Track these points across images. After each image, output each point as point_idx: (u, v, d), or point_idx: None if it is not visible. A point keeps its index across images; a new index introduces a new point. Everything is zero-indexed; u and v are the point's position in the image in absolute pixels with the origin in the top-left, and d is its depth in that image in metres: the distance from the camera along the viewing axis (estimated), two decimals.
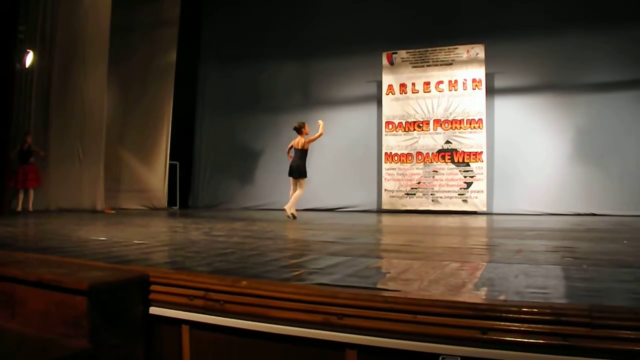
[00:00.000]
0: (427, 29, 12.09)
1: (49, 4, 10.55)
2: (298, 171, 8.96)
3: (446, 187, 11.58)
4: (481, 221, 9.10)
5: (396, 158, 12.00)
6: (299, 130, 9.09)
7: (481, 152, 11.36)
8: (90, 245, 4.41)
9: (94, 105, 10.76)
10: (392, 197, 12.00)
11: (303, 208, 12.42)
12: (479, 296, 2.30)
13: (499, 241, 5.35)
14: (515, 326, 1.93)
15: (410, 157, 11.89)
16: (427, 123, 11.86)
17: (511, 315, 1.95)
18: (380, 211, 12.04)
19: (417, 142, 11.87)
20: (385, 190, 12.06)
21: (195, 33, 14.41)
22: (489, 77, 11.55)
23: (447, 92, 11.77)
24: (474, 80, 11.53)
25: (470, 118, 11.51)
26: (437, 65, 11.91)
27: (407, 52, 12.13)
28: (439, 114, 11.78)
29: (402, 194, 11.89)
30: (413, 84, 12.04)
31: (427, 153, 11.78)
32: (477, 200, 11.32)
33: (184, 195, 14.03)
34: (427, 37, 12.02)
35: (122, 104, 12.30)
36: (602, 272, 3.09)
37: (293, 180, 9.04)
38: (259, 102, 13.61)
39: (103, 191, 10.81)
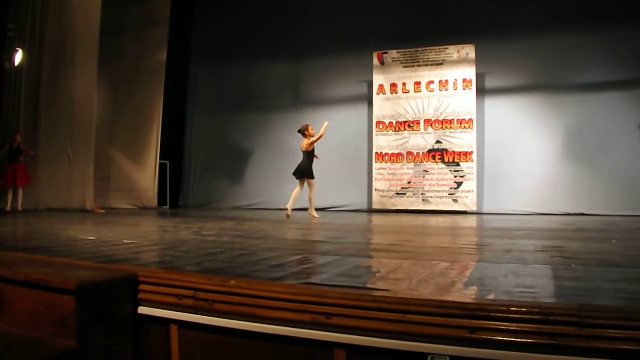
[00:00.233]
0: (418, 28, 12.11)
1: (38, 2, 10.50)
2: (300, 172, 9.23)
3: (436, 186, 11.60)
4: (471, 221, 9.12)
5: (386, 158, 12.01)
6: (302, 133, 9.30)
7: (471, 152, 11.39)
8: (79, 244, 4.38)
9: (84, 104, 10.70)
10: (383, 196, 12.01)
11: (294, 208, 12.42)
12: (468, 296, 2.30)
13: (488, 241, 5.36)
14: (503, 325, 1.93)
15: (400, 157, 11.91)
16: (418, 123, 11.88)
17: (500, 314, 1.95)
18: (370, 211, 12.05)
19: (407, 141, 11.88)
20: (376, 189, 12.07)
21: (185, 32, 14.36)
22: (479, 77, 11.59)
23: (437, 92, 11.79)
24: (464, 80, 11.56)
25: (460, 118, 11.54)
26: (427, 65, 11.93)
27: (398, 52, 12.14)
28: (430, 114, 11.80)
29: (393, 193, 11.91)
30: (404, 84, 12.05)
31: (418, 153, 11.80)
32: (467, 199, 11.35)
33: (174, 194, 13.99)
34: (418, 37, 12.03)
35: (112, 103, 12.25)
36: (590, 271, 3.10)
37: (299, 181, 9.28)
38: (250, 101, 13.59)
39: (92, 190, 10.76)
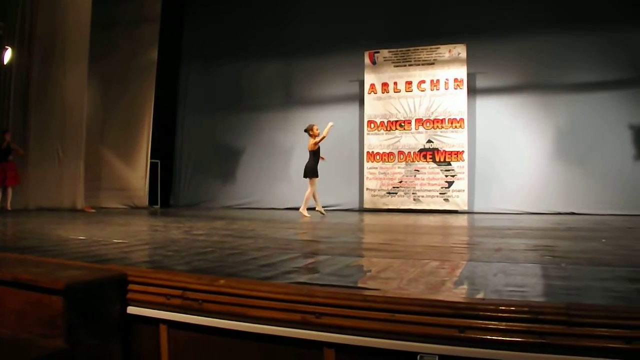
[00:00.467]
0: (410, 28, 12.11)
1: (28, 0, 10.44)
2: (305, 172, 9.41)
3: (427, 186, 11.62)
4: (462, 220, 9.14)
5: (378, 157, 12.02)
6: (308, 132, 9.45)
7: (462, 152, 11.41)
8: (69, 244, 4.36)
9: (74, 102, 10.64)
10: (374, 196, 12.02)
11: (284, 207, 12.44)
12: (458, 295, 2.31)
13: (479, 240, 5.38)
14: (493, 324, 1.93)
15: (392, 156, 11.92)
16: (409, 122, 11.89)
17: (489, 313, 1.95)
18: (362, 210, 12.05)
19: (398, 141, 11.90)
20: (367, 189, 12.08)
21: (177, 30, 14.30)
22: (470, 76, 11.61)
23: (428, 91, 11.80)
24: (455, 80, 11.58)
25: (451, 117, 11.56)
26: (419, 64, 11.94)
27: (390, 52, 12.15)
28: (421, 114, 11.82)
29: (384, 193, 11.92)
30: (395, 83, 12.06)
31: (409, 152, 11.81)
32: (459, 199, 11.38)
33: (165, 193, 13.95)
34: (410, 37, 12.04)
35: (103, 101, 12.19)
36: (580, 270, 3.11)
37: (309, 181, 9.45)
38: (241, 100, 13.56)
39: (83, 190, 10.71)
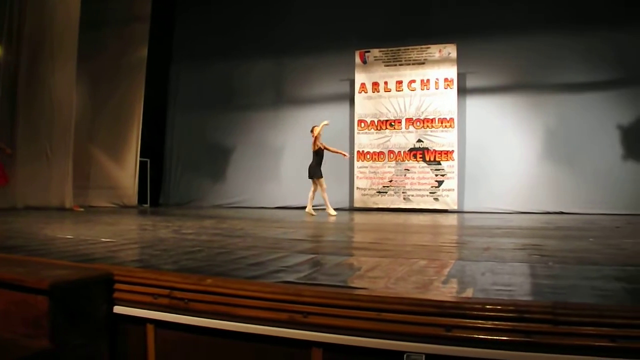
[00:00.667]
0: (400, 28, 12.12)
1: None
2: (308, 172, 9.70)
3: (417, 185, 11.64)
4: (452, 219, 9.16)
5: (368, 156, 12.03)
6: (311, 133, 9.75)
7: (452, 151, 11.44)
8: (56, 243, 4.33)
9: (63, 101, 10.57)
10: (364, 195, 12.03)
11: (274, 206, 12.44)
12: (445, 294, 2.30)
13: (468, 239, 5.38)
14: (479, 323, 1.94)
15: (382, 156, 11.93)
16: (399, 122, 11.91)
17: (475, 312, 1.96)
18: (352, 209, 12.06)
19: (389, 140, 11.91)
20: (358, 188, 12.09)
21: (167, 29, 14.25)
22: (460, 76, 11.65)
23: (419, 91, 11.83)
24: (445, 80, 11.62)
25: (441, 117, 11.59)
26: (409, 64, 11.96)
27: (380, 51, 12.16)
28: (411, 113, 11.84)
29: (374, 192, 11.93)
30: (385, 83, 12.07)
31: (399, 151, 11.83)
32: (448, 198, 11.41)
33: (154, 192, 13.90)
34: (400, 36, 12.05)
35: (92, 100, 12.11)
36: (568, 269, 3.12)
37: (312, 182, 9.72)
38: (231, 99, 13.53)
39: (71, 189, 10.64)
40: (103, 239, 4.59)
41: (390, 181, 11.89)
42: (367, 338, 2.05)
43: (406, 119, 11.86)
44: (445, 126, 11.54)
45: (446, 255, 3.86)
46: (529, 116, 11.38)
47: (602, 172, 10.65)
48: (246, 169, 13.22)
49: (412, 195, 11.69)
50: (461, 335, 1.94)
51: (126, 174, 12.69)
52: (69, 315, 2.40)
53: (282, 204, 12.57)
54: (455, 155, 11.44)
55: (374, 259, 3.42)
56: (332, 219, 8.84)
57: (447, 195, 11.43)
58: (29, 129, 10.29)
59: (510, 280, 2.65)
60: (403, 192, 11.76)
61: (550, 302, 2.01)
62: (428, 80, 11.77)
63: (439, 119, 11.60)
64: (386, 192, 11.90)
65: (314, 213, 9.48)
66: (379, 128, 12.01)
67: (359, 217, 9.48)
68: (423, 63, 11.84)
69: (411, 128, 11.80)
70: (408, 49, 11.98)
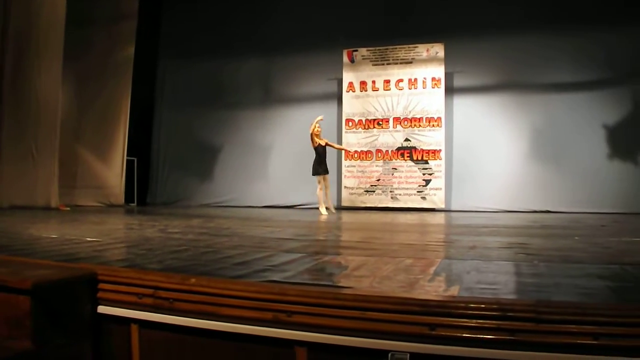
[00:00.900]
0: (388, 27, 12.14)
1: None
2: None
3: (405, 184, 11.67)
4: (439, 218, 9.18)
5: (356, 155, 12.03)
6: None
7: (440, 150, 11.48)
8: (41, 243, 4.30)
9: (49, 100, 10.47)
10: (352, 194, 12.04)
11: (262, 205, 12.42)
12: (429, 292, 2.31)
13: (454, 238, 5.40)
14: (463, 322, 1.94)
15: (369, 155, 11.94)
16: (387, 121, 11.93)
17: (459, 311, 1.96)
18: (340, 208, 12.05)
19: (376, 139, 11.93)
20: (345, 187, 12.09)
21: (154, 27, 14.17)
22: (448, 76, 11.68)
23: (406, 90, 11.85)
24: (433, 79, 11.64)
25: (429, 116, 11.62)
26: (397, 63, 11.98)
27: (368, 50, 12.17)
28: (399, 112, 11.86)
29: (362, 191, 11.94)
30: (373, 82, 12.09)
31: (387, 150, 11.85)
32: (436, 197, 11.44)
33: (142, 191, 13.83)
34: (388, 35, 12.07)
35: (78, 99, 12.02)
36: (552, 267, 3.13)
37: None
38: (219, 98, 13.48)
39: (57, 188, 10.56)
40: (88, 239, 4.56)
41: (378, 180, 11.91)
42: (351, 337, 2.05)
43: (394, 118, 11.88)
44: (433, 125, 11.57)
45: (432, 253, 3.88)
46: (516, 115, 11.43)
47: (589, 171, 10.72)
48: (234, 167, 13.19)
49: (400, 194, 11.72)
50: (445, 334, 1.94)
51: (113, 173, 12.62)
52: (51, 316, 2.38)
53: (269, 203, 12.56)
54: (442, 154, 11.48)
55: (360, 258, 3.42)
56: (323, 217, 8.84)
57: (435, 194, 11.46)
58: (14, 128, 10.18)
59: (495, 279, 2.66)
60: (391, 191, 11.79)
61: (534, 300, 2.02)
62: (416, 80, 11.79)
63: (426, 118, 11.63)
64: (374, 191, 11.91)
65: (329, 211, 9.58)
66: (366, 127, 12.03)
67: (346, 216, 9.48)
68: (411, 62, 11.87)
69: (399, 127, 11.82)
70: (396, 48, 12.00)
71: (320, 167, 9.56)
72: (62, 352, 2.45)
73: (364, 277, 2.65)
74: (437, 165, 11.49)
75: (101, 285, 2.61)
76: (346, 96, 12.25)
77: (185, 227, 6.13)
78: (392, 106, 11.91)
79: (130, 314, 2.53)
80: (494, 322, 1.91)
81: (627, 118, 10.71)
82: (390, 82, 11.97)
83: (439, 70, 11.61)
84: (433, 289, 2.40)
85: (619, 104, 10.75)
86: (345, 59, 12.29)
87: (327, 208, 9.57)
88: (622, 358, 1.81)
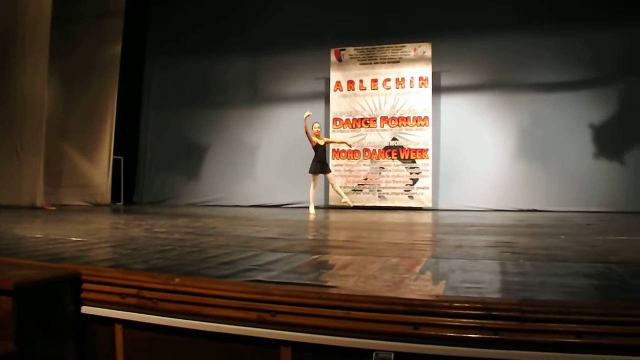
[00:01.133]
0: (376, 26, 12.14)
1: None
2: None
3: (392, 183, 11.70)
4: (426, 217, 9.21)
5: (343, 154, 12.05)
6: None
7: (427, 149, 11.51)
8: (24, 243, 4.26)
9: (34, 98, 10.38)
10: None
11: (249, 204, 12.40)
12: (414, 292, 2.30)
13: (441, 237, 5.41)
14: (447, 321, 1.94)
15: (357, 154, 11.95)
16: (374, 120, 11.94)
17: (444, 310, 1.96)
18: (327, 207, 12.06)
19: (364, 138, 11.94)
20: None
21: (142, 25, 14.09)
22: (435, 75, 11.71)
23: (394, 89, 11.87)
24: (420, 78, 11.67)
25: (416, 115, 11.65)
26: (384, 62, 12.00)
27: (355, 49, 12.18)
28: (386, 111, 11.88)
29: (349, 190, 11.94)
30: (361, 81, 12.10)
31: (374, 150, 11.87)
32: (423, 196, 11.47)
33: (128, 191, 13.76)
34: (375, 35, 12.08)
35: (65, 97, 11.92)
36: (537, 266, 3.14)
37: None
38: (206, 97, 13.44)
39: (42, 187, 10.47)
40: (73, 238, 4.53)
41: (365, 179, 11.92)
42: (336, 337, 2.05)
43: (381, 117, 11.90)
44: (420, 124, 11.60)
45: (418, 253, 3.88)
46: (503, 115, 11.49)
47: (575, 171, 10.80)
48: (221, 167, 13.16)
49: (387, 193, 11.74)
50: (429, 333, 1.94)
51: (99, 172, 12.53)
52: (34, 316, 2.35)
53: (257, 202, 12.53)
54: (429, 153, 11.52)
55: (345, 257, 3.42)
56: (311, 217, 8.85)
57: (422, 193, 11.49)
58: None
59: (480, 278, 2.67)
60: (378, 190, 11.81)
61: (518, 299, 2.02)
62: (403, 79, 11.81)
63: (413, 117, 11.66)
64: (361, 190, 11.93)
65: (349, 203, 10.01)
66: (354, 126, 12.04)
67: (334, 216, 9.49)
68: (398, 61, 11.89)
69: (386, 126, 11.84)
70: (383, 48, 12.02)
71: (318, 165, 9.68)
72: (46, 353, 2.43)
73: (349, 277, 2.65)
74: (424, 165, 11.52)
75: (85, 286, 2.59)
76: (334, 95, 12.26)
77: (171, 227, 6.10)
78: (380, 105, 11.92)
79: (114, 314, 2.50)
80: (478, 321, 1.91)
81: (614, 117, 10.79)
82: (378, 82, 11.98)
83: (426, 70, 11.64)
84: (418, 288, 2.40)
85: (606, 104, 10.83)
86: (333, 58, 12.29)
87: (343, 201, 9.97)
88: (605, 356, 1.81)
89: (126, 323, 2.49)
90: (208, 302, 2.28)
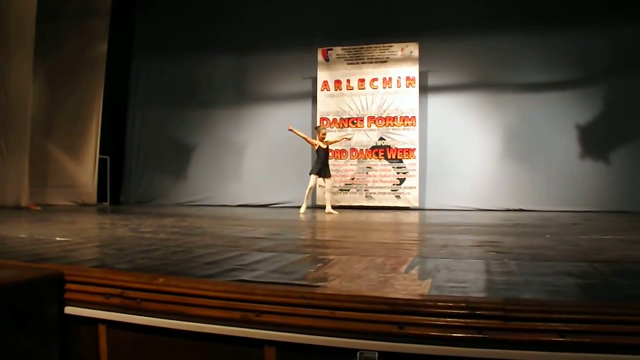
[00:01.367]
0: (363, 26, 12.15)
1: None
2: None
3: (379, 183, 11.70)
4: (413, 217, 9.23)
5: (330, 154, 12.01)
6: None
7: (414, 149, 11.52)
8: (8, 243, 4.22)
9: (19, 97, 10.29)
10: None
11: (236, 204, 12.38)
12: (399, 291, 2.31)
13: (427, 236, 5.43)
14: (431, 320, 1.94)
15: (344, 153, 11.95)
16: (361, 120, 11.95)
17: (428, 309, 1.96)
18: (314, 207, 12.04)
19: (351, 138, 11.92)
20: (320, 186, 12.04)
21: (128, 24, 14.01)
22: (422, 75, 11.72)
23: (381, 89, 11.87)
24: (407, 78, 11.68)
25: (403, 115, 11.66)
26: (372, 62, 12.00)
27: (343, 49, 12.17)
28: (373, 111, 11.88)
29: (336, 189, 11.94)
30: (348, 81, 12.09)
31: (361, 149, 11.87)
32: (410, 196, 11.49)
33: (115, 190, 13.67)
34: (363, 34, 12.07)
35: (50, 96, 11.83)
36: (522, 265, 3.15)
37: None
38: (194, 96, 13.37)
39: (27, 187, 10.39)
40: (57, 238, 4.50)
41: (353, 179, 11.93)
42: (320, 336, 2.05)
43: (368, 117, 11.91)
44: (407, 124, 11.62)
45: (404, 252, 3.88)
46: (490, 115, 11.53)
47: (561, 170, 10.86)
48: (208, 166, 13.11)
49: (374, 193, 11.75)
50: (414, 332, 1.95)
51: (85, 171, 12.45)
52: (16, 317, 2.33)
53: (244, 202, 12.50)
54: (416, 153, 11.53)
55: (331, 257, 3.41)
56: (302, 216, 8.88)
57: (409, 193, 11.51)
58: None
59: (465, 277, 2.67)
60: (365, 190, 11.82)
61: (502, 298, 2.03)
62: (390, 79, 11.82)
63: (400, 117, 11.68)
64: (348, 190, 11.94)
65: (329, 213, 9.82)
66: (341, 126, 12.03)
67: (320, 215, 9.48)
68: (385, 61, 11.89)
69: (373, 126, 11.85)
70: (371, 47, 12.02)
71: (322, 168, 9.87)
72: (28, 354, 2.41)
73: (334, 276, 2.64)
74: (411, 164, 11.54)
75: (68, 286, 2.57)
76: (321, 95, 12.24)
77: (157, 227, 6.07)
78: (367, 105, 11.93)
79: (98, 314, 2.49)
80: (462, 320, 1.92)
81: (599, 117, 10.85)
82: (365, 81, 11.99)
83: (413, 70, 11.65)
84: (403, 288, 2.40)
85: (592, 103, 10.89)
86: (320, 57, 12.27)
87: (326, 210, 9.97)
88: (588, 354, 1.83)
89: (110, 323, 2.48)
90: (192, 302, 2.27)
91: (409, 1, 11.90)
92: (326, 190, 10.22)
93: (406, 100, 11.66)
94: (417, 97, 11.62)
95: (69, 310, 2.55)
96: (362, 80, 12.01)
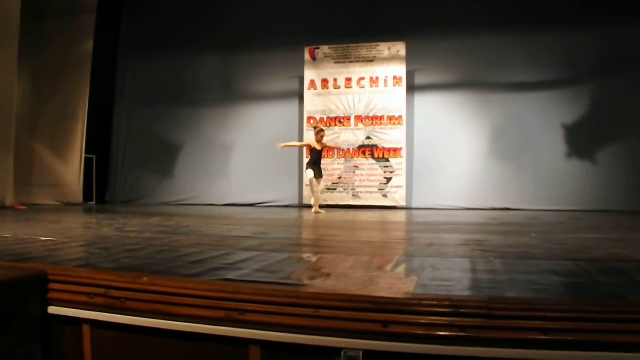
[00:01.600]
0: (350, 25, 12.14)
1: None
2: None
3: (367, 182, 11.70)
4: (400, 216, 9.24)
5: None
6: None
7: (401, 148, 11.53)
8: None
9: (3, 95, 10.20)
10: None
11: (223, 203, 12.35)
12: (384, 290, 2.31)
13: (413, 235, 5.44)
14: (416, 319, 1.95)
15: (331, 153, 11.92)
16: (348, 119, 11.94)
17: (412, 308, 1.97)
18: (301, 206, 12.04)
19: (338, 137, 11.92)
20: (307, 185, 12.06)
21: (114, 22, 13.92)
22: (409, 74, 11.73)
23: (368, 88, 11.87)
24: (394, 78, 11.68)
25: (390, 114, 11.66)
26: (359, 61, 11.99)
27: (330, 48, 12.16)
28: (360, 110, 11.88)
29: (324, 189, 11.92)
30: (335, 80, 12.08)
31: (348, 149, 11.86)
32: (397, 195, 11.50)
33: (101, 190, 13.58)
34: (350, 33, 12.06)
35: (35, 94, 11.72)
36: (507, 264, 3.16)
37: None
38: (180, 95, 13.30)
39: (13, 186, 10.31)
40: (42, 238, 4.46)
41: (340, 178, 11.92)
42: (304, 335, 2.04)
43: (355, 116, 11.90)
44: (394, 123, 11.63)
45: (390, 251, 3.89)
46: (477, 114, 11.56)
47: (548, 170, 10.91)
48: (195, 165, 13.06)
49: (361, 192, 11.75)
50: (398, 331, 1.95)
51: (71, 170, 12.35)
52: None
53: (230, 201, 12.47)
54: (403, 152, 11.54)
55: (317, 256, 3.42)
56: (322, 214, 9.32)
57: (396, 192, 11.52)
58: None
59: (450, 276, 2.68)
60: (352, 189, 11.81)
61: (486, 297, 2.04)
62: (377, 78, 11.82)
63: (387, 116, 11.68)
64: (335, 189, 11.93)
65: (320, 211, 9.80)
66: (328, 125, 12.00)
67: (307, 214, 9.47)
68: (372, 60, 11.90)
69: (360, 125, 11.84)
70: (358, 46, 12.01)
71: (316, 169, 9.91)
72: (11, 354, 2.39)
73: (320, 275, 2.64)
74: (398, 164, 11.55)
75: (52, 286, 2.55)
76: (308, 94, 12.22)
77: (143, 226, 6.04)
78: (354, 104, 11.92)
79: (82, 314, 2.48)
80: (446, 318, 1.92)
81: (586, 117, 10.91)
82: (352, 80, 11.98)
83: (400, 69, 11.66)
84: (388, 286, 2.40)
85: (578, 103, 10.95)
86: (307, 56, 12.25)
87: (314, 209, 9.88)
88: (571, 352, 1.83)
89: (94, 323, 2.47)
90: (176, 301, 2.26)
91: (396, 1, 11.91)
92: (316, 190, 10.19)
93: (393, 99, 11.66)
94: (404, 96, 11.62)
95: (52, 310, 2.54)
96: (349, 80, 12.00)
